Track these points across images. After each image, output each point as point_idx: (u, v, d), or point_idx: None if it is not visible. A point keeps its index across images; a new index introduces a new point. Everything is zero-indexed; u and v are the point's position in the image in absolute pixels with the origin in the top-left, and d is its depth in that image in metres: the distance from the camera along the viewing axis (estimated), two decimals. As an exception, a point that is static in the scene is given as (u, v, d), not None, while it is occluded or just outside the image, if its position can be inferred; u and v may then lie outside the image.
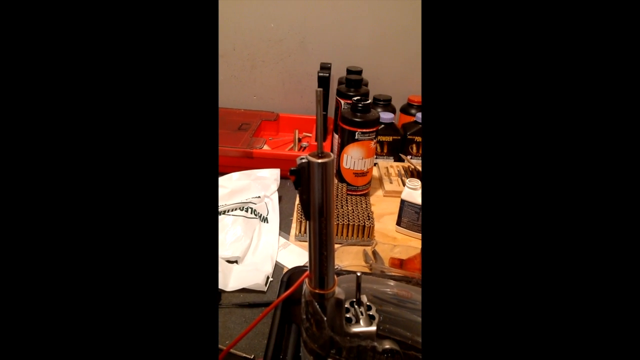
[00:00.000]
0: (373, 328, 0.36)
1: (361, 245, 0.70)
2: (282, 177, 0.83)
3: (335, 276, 0.33)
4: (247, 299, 0.58)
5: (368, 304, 0.40)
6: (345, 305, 0.40)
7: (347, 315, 0.39)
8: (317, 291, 0.31)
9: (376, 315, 0.40)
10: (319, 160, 0.27)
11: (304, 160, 0.28)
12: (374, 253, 0.66)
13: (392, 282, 0.43)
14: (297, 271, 0.48)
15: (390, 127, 0.92)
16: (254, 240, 0.68)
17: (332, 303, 0.33)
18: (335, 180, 0.85)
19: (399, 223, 0.74)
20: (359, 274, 0.38)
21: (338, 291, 0.33)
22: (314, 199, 0.28)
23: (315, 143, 0.92)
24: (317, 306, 0.32)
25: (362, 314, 0.38)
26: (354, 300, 0.40)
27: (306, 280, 0.33)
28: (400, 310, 0.44)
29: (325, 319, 0.31)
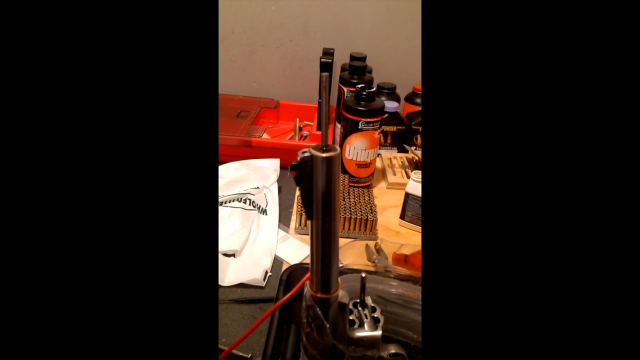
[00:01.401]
0: (378, 332, 0.34)
1: (364, 239, 0.67)
2: (282, 167, 0.81)
3: (339, 279, 0.30)
4: (245, 294, 0.56)
5: (372, 305, 0.38)
6: (349, 307, 0.38)
7: (351, 318, 0.37)
8: (319, 295, 0.29)
9: (381, 318, 0.37)
10: (324, 155, 0.24)
11: (306, 154, 0.25)
12: (377, 248, 0.64)
13: (397, 282, 0.41)
14: (297, 268, 0.46)
15: (394, 117, 0.89)
16: (252, 233, 0.65)
17: (335, 307, 0.30)
18: (337, 171, 0.82)
19: (402, 217, 0.71)
20: (363, 275, 0.35)
21: (342, 294, 0.31)
22: (317, 196, 0.26)
23: (317, 132, 0.89)
24: (319, 311, 0.29)
25: (366, 317, 0.36)
26: (358, 301, 0.37)
27: (307, 282, 0.30)
28: (405, 311, 0.42)
29: (327, 325, 0.29)
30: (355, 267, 0.45)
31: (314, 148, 0.25)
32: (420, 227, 0.70)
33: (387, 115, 0.87)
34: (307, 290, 0.30)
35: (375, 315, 0.37)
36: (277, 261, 0.62)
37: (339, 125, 0.82)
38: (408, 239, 0.69)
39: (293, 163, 0.25)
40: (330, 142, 0.81)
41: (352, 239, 0.67)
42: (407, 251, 0.61)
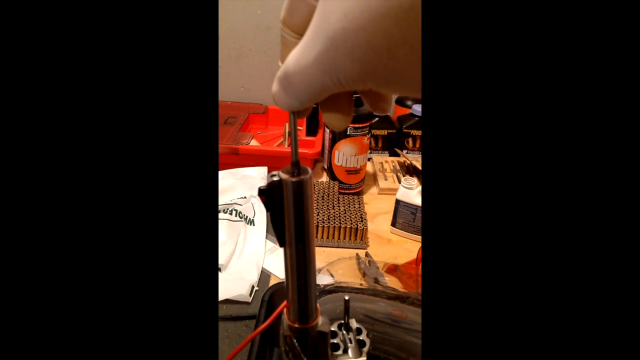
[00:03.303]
0: (362, 359, 0.32)
1: (355, 248, 0.65)
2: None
3: (318, 305, 0.28)
4: (230, 310, 0.54)
5: (358, 326, 0.36)
6: (333, 328, 0.36)
7: (335, 341, 0.35)
8: (296, 326, 0.27)
9: (367, 341, 0.35)
10: (294, 179, 0.22)
11: (275, 178, 0.23)
12: (368, 257, 0.62)
13: (385, 302, 0.39)
14: (279, 288, 0.44)
15: (384, 120, 0.87)
16: (238, 245, 0.63)
17: (315, 336, 0.28)
18: (327, 178, 0.81)
19: (393, 224, 0.69)
20: (347, 298, 0.33)
21: (322, 322, 0.29)
22: (289, 223, 0.24)
23: (307, 138, 0.87)
24: (296, 342, 0.27)
25: (350, 341, 0.34)
26: (342, 322, 0.36)
27: (284, 310, 0.28)
28: (394, 331, 0.40)
29: (304, 359, 0.27)
30: (344, 284, 0.43)
31: (284, 171, 0.23)
32: (411, 234, 0.69)
33: (377, 119, 0.85)
34: (284, 319, 0.28)
35: (361, 338, 0.35)
36: (264, 274, 0.60)
37: (327, 131, 0.80)
38: (399, 246, 0.68)
39: (261, 187, 0.23)
40: (319, 148, 0.79)
41: (343, 248, 0.66)
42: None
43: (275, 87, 0.20)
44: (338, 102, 0.21)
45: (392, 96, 0.23)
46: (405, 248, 0.67)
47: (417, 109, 0.87)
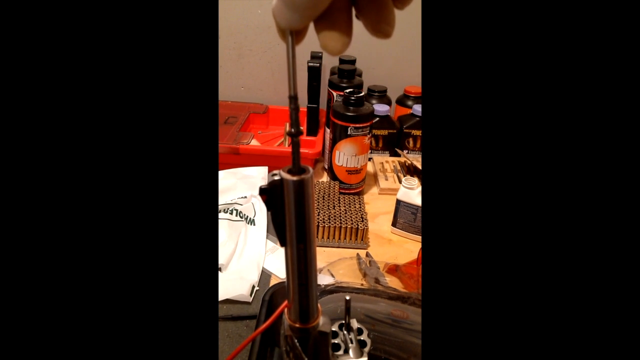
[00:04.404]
0: (363, 359, 0.32)
1: (355, 249, 0.65)
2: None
3: (319, 305, 0.28)
4: (231, 310, 0.54)
5: (359, 326, 0.36)
6: (333, 329, 0.36)
7: (336, 341, 0.35)
8: (297, 325, 0.27)
9: (368, 341, 0.35)
10: (295, 178, 0.22)
11: (276, 177, 0.23)
12: (369, 257, 0.62)
13: (385, 302, 0.39)
14: (279, 288, 0.44)
15: (385, 120, 0.87)
16: (239, 245, 0.63)
17: (316, 336, 0.28)
18: (327, 178, 0.81)
19: (394, 224, 0.69)
20: (347, 298, 0.33)
21: (323, 322, 0.29)
22: (290, 222, 0.24)
23: (308, 138, 0.87)
24: (297, 343, 0.27)
25: (351, 342, 0.34)
26: (343, 322, 0.36)
27: (285, 310, 0.28)
28: (395, 331, 0.40)
29: (305, 359, 0.27)
30: (345, 284, 0.43)
31: (285, 170, 0.23)
32: (412, 235, 0.69)
33: (377, 119, 0.85)
34: (284, 319, 0.28)
35: (362, 339, 0.35)
36: (265, 274, 0.60)
37: (328, 131, 0.80)
38: (400, 246, 0.67)
39: (262, 187, 0.23)
40: (320, 148, 0.79)
41: (344, 248, 0.66)
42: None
43: (274, 0, 0.20)
44: (335, 17, 0.20)
45: (394, 16, 0.22)
46: (406, 248, 0.67)
47: (418, 109, 0.87)
